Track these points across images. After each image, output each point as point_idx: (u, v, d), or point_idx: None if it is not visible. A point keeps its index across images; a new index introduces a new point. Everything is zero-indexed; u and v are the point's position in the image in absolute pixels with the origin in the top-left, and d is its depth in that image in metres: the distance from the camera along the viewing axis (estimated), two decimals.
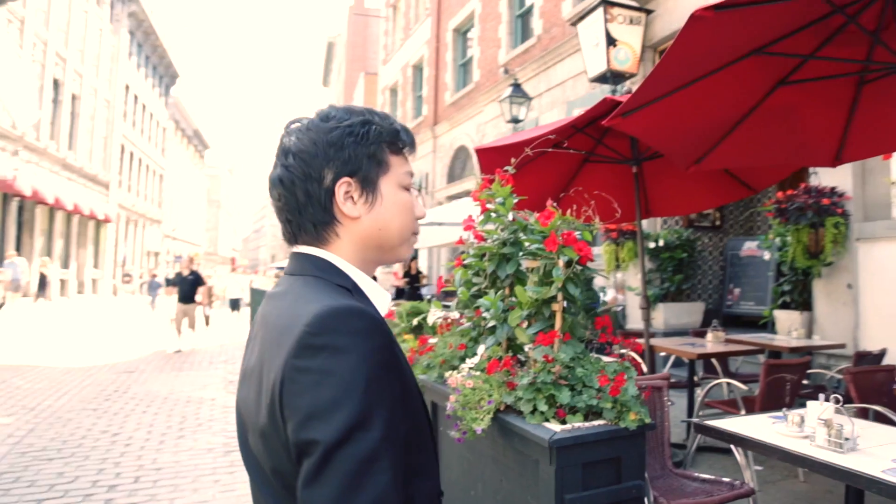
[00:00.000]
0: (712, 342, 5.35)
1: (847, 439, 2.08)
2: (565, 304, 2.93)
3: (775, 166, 4.96)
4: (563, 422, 2.52)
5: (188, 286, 12.20)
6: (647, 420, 2.55)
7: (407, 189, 1.07)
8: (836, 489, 4.19)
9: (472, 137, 15.42)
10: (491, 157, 4.91)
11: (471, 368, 2.99)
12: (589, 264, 2.91)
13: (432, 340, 3.49)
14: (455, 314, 3.57)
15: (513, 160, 3.36)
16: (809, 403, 2.36)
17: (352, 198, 1.00)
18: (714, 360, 5.68)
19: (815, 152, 4.25)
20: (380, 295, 1.04)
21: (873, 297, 5.47)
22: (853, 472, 1.91)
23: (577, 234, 2.94)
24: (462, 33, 16.87)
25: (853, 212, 5.54)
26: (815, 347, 5.25)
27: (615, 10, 7.76)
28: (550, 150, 3.82)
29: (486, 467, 2.91)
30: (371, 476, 0.78)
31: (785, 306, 6.36)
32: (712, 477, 3.00)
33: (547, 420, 2.54)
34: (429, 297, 12.89)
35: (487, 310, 3.11)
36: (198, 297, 12.51)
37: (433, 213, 11.19)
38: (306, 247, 1.04)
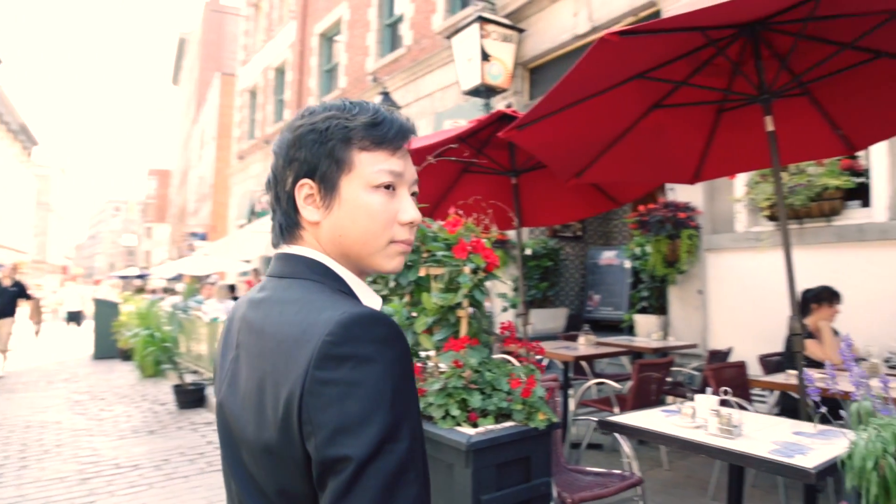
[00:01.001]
0: (584, 345, 5.68)
1: (735, 427, 2.31)
2: (471, 310, 3.00)
3: (641, 182, 5.38)
4: (475, 425, 2.57)
5: (7, 299, 10.60)
6: (555, 419, 2.67)
7: (387, 188, 0.94)
8: (695, 474, 4.60)
9: None
10: None
11: None
12: None
13: None
14: None
15: (415, 168, 3.37)
16: (697, 396, 2.59)
17: (315, 201, 0.94)
18: (583, 363, 6.03)
19: (679, 170, 4.66)
20: (373, 300, 0.99)
21: (719, 301, 6.09)
22: (746, 454, 2.13)
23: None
24: (328, 39, 16.65)
25: (703, 225, 6.15)
26: (672, 348, 5.74)
27: (490, 27, 8.04)
28: (448, 159, 3.89)
29: None
30: (402, 489, 0.76)
31: (643, 311, 6.90)
32: (604, 470, 3.19)
33: (458, 424, 2.58)
34: None
35: (390, 317, 3.10)
36: (21, 311, 11.13)
37: None
38: (296, 247, 0.97)
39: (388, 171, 0.94)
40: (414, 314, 3.10)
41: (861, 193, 5.20)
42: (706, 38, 3.24)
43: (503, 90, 8.36)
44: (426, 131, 11.22)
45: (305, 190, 0.94)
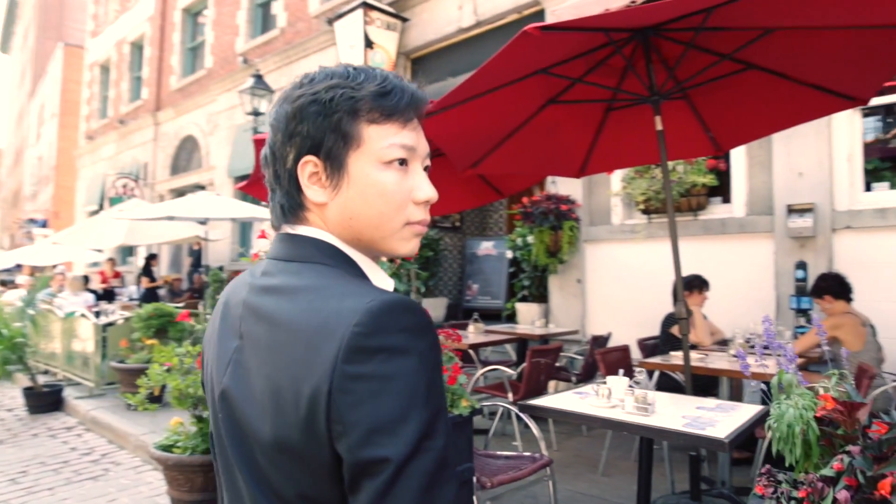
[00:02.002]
0: (474, 333, 5.81)
1: (650, 404, 2.47)
2: None
3: (530, 174, 5.58)
4: None
5: None
6: (477, 405, 2.71)
7: (401, 164, 0.87)
8: (582, 453, 4.86)
9: (201, 127, 14.44)
10: None
11: None
12: None
13: None
14: None
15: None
16: (609, 378, 2.74)
17: (320, 180, 0.86)
18: (471, 350, 6.17)
19: (567, 164, 4.87)
20: (387, 283, 0.92)
21: (597, 289, 6.46)
22: (666, 429, 2.29)
23: None
24: (193, 14, 15.69)
25: (582, 217, 6.49)
26: (556, 334, 6.02)
27: (374, 14, 7.95)
28: None
29: None
30: (440, 488, 0.72)
31: (524, 299, 7.18)
32: (514, 453, 3.29)
33: None
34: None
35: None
36: None
37: (161, 208, 10.27)
38: (302, 227, 0.89)
39: (399, 145, 0.87)
40: None
41: (723, 191, 5.74)
42: (608, 38, 3.41)
43: None
44: None
45: (309, 168, 0.86)
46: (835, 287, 4.18)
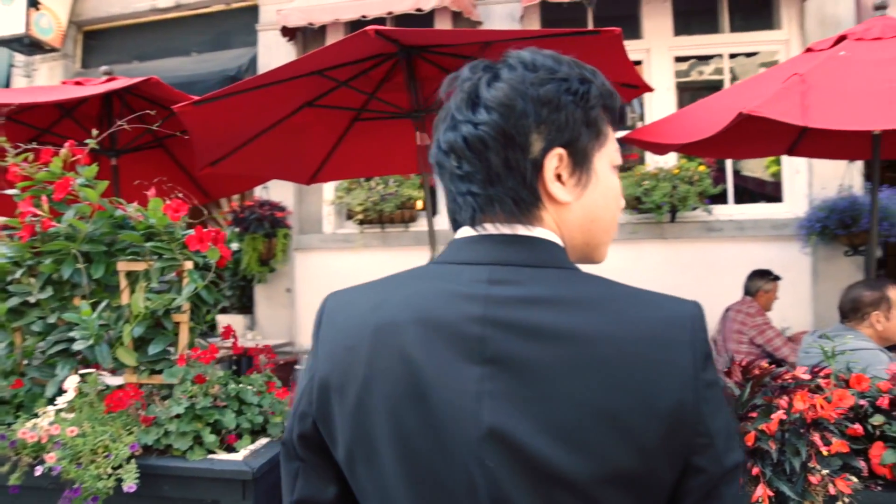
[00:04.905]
0: None
1: None
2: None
3: (255, 177, 5.24)
4: (233, 448, 2.23)
5: None
6: None
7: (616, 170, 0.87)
8: None
9: None
10: None
11: (60, 410, 2.25)
12: None
13: None
14: None
15: (95, 132, 2.71)
16: None
17: (559, 176, 0.79)
18: None
19: (301, 170, 4.74)
20: None
21: (307, 299, 6.34)
22: None
23: None
24: None
25: (294, 225, 6.30)
26: (272, 347, 5.75)
27: None
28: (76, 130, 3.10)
29: None
30: None
31: (224, 311, 6.66)
32: None
33: (212, 451, 2.19)
34: None
35: (74, 325, 2.37)
36: None
37: None
38: (540, 229, 0.79)
39: (618, 150, 0.87)
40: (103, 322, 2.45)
41: (432, 205, 6.22)
42: (390, 42, 3.39)
43: (52, 49, 6.87)
44: None
45: (555, 162, 0.78)
46: None
